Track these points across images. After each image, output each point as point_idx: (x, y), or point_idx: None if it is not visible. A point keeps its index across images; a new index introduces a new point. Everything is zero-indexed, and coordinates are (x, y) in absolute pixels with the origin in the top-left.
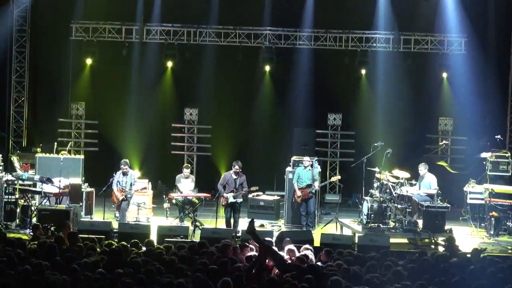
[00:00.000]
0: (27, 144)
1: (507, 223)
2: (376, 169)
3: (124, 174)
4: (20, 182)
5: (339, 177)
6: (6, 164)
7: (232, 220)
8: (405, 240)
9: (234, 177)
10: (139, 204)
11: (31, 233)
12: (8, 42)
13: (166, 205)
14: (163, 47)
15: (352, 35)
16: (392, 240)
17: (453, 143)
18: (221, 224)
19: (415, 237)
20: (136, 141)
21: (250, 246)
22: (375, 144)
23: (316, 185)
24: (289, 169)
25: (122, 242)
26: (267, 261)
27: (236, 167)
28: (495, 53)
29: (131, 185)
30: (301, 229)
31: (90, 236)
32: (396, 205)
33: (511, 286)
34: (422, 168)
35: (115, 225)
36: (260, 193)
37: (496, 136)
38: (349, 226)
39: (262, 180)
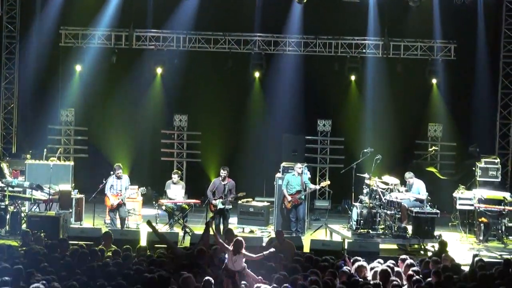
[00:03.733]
0: (16, 150)
1: (497, 229)
2: (366, 175)
3: (118, 178)
4: (10, 188)
5: (329, 182)
6: None
7: (221, 227)
8: (394, 246)
9: (223, 182)
10: (129, 210)
11: (21, 240)
12: None
13: (155, 211)
14: (152, 54)
15: (342, 41)
16: (381, 246)
17: (443, 149)
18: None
19: (405, 243)
20: (126, 147)
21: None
22: (365, 150)
23: (312, 186)
24: (278, 175)
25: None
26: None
27: (223, 172)
28: (484, 59)
29: (126, 188)
30: (291, 235)
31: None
32: (385, 211)
33: None
34: (408, 177)
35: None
36: (250, 199)
37: (470, 148)
38: (339, 232)
39: (252, 186)
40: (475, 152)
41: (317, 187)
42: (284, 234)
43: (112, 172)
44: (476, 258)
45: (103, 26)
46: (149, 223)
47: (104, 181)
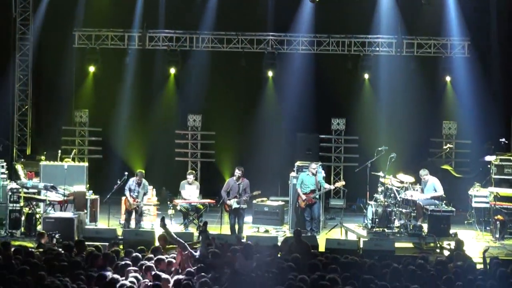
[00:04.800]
0: (31, 152)
1: None
2: (381, 174)
3: (138, 184)
4: (25, 190)
5: (343, 183)
6: (11, 172)
7: (236, 226)
8: (410, 245)
9: (237, 182)
10: (143, 211)
11: (36, 241)
12: (11, 50)
13: (170, 211)
14: (165, 54)
15: (355, 40)
16: (397, 245)
17: (457, 146)
18: (226, 230)
19: (420, 242)
20: (140, 148)
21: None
22: (379, 149)
23: (327, 186)
24: (293, 174)
25: None
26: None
27: (238, 172)
28: (498, 55)
29: (144, 194)
30: (306, 234)
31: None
32: (400, 209)
33: None
34: (423, 174)
35: (120, 232)
36: (264, 198)
37: (500, 140)
38: (354, 231)
39: (266, 185)
40: (490, 150)
41: (332, 187)
42: (302, 233)
43: (135, 176)
44: (487, 253)
45: (116, 27)
46: (162, 220)
47: (118, 182)
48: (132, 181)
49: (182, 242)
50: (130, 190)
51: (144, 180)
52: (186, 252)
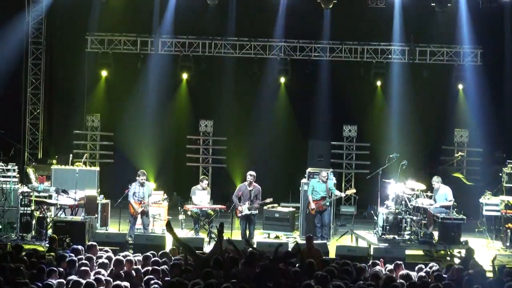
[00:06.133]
0: (42, 156)
1: None
2: (392, 181)
3: (142, 185)
4: (36, 193)
5: (354, 190)
6: (22, 176)
7: (247, 232)
8: (420, 252)
9: (249, 188)
10: (154, 215)
11: (47, 245)
12: (24, 54)
13: (181, 216)
14: (178, 59)
15: (368, 47)
16: (407, 252)
17: (469, 154)
18: (237, 236)
19: (431, 249)
20: (152, 152)
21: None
22: (391, 156)
23: (338, 193)
24: (304, 180)
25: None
26: None
27: (250, 177)
28: (510, 64)
29: (149, 196)
30: (316, 241)
31: None
32: (411, 216)
33: None
34: (436, 181)
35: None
36: (275, 204)
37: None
38: (364, 238)
39: (277, 191)
40: (501, 158)
41: (343, 194)
42: (314, 240)
43: (137, 178)
44: (495, 261)
45: (129, 32)
46: (168, 224)
47: (129, 186)
48: (134, 185)
49: (189, 246)
50: (134, 194)
51: (148, 182)
52: (193, 256)
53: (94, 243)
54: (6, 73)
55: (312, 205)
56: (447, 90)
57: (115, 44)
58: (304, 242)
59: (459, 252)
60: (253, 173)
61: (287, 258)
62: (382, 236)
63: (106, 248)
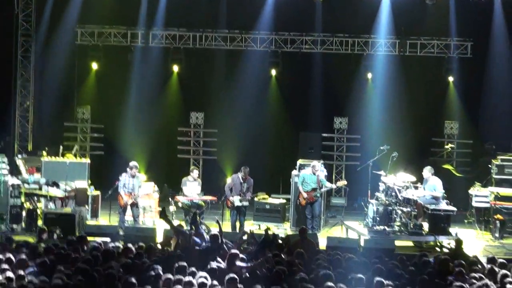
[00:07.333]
0: (32, 147)
1: None
2: (382, 172)
3: (133, 176)
4: (26, 185)
5: (345, 182)
6: (12, 167)
7: (237, 224)
8: (410, 243)
9: (241, 181)
10: (145, 207)
11: (37, 237)
12: (14, 46)
13: (172, 208)
14: (169, 52)
15: (358, 39)
16: (397, 243)
17: (459, 146)
18: (227, 227)
19: (421, 240)
20: (142, 144)
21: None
22: (381, 148)
23: (328, 185)
24: (295, 172)
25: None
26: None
27: (244, 172)
28: (501, 56)
29: (139, 187)
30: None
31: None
32: (401, 208)
33: None
34: (427, 171)
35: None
36: (266, 196)
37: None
38: (355, 229)
39: (268, 183)
40: (491, 150)
41: (333, 186)
42: (307, 231)
43: (127, 170)
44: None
45: (119, 24)
46: (163, 211)
47: (119, 178)
48: (124, 176)
49: (183, 231)
50: (124, 186)
51: (139, 174)
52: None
53: (84, 235)
54: None
55: (304, 195)
56: (437, 82)
57: (105, 36)
58: (295, 233)
59: (449, 244)
60: (246, 169)
61: (274, 242)
62: (373, 227)
63: (97, 240)
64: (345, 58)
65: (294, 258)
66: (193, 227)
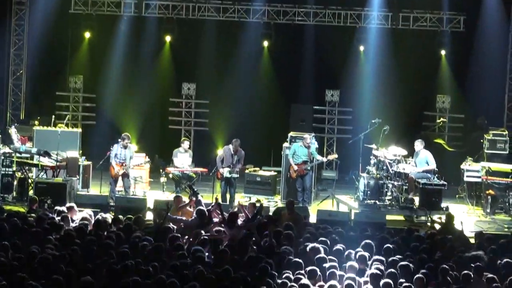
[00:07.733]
0: (25, 116)
1: (504, 201)
2: (373, 146)
3: (124, 147)
4: (18, 154)
5: (336, 155)
6: (4, 136)
7: (228, 195)
8: (401, 217)
9: (232, 153)
10: (136, 178)
11: (27, 206)
12: (7, 14)
13: (162, 179)
14: (162, 22)
15: (351, 12)
16: (388, 217)
17: (451, 120)
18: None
19: (412, 214)
20: (134, 115)
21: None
22: (373, 121)
23: (319, 158)
24: (286, 144)
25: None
26: None
27: (234, 145)
28: (493, 30)
29: (130, 158)
30: (297, 205)
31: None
32: (392, 182)
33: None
34: (418, 144)
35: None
36: (257, 168)
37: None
38: (346, 203)
39: (259, 155)
40: (483, 124)
41: (324, 159)
42: (295, 204)
43: (119, 140)
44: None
45: None
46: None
47: (111, 149)
48: (116, 147)
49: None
50: (116, 156)
51: (131, 145)
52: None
53: (73, 204)
54: None
55: (295, 167)
56: (429, 56)
57: (98, 5)
58: (285, 205)
59: (440, 218)
60: (238, 142)
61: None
62: (363, 201)
63: (87, 210)
64: (337, 30)
65: (283, 231)
66: (194, 198)
